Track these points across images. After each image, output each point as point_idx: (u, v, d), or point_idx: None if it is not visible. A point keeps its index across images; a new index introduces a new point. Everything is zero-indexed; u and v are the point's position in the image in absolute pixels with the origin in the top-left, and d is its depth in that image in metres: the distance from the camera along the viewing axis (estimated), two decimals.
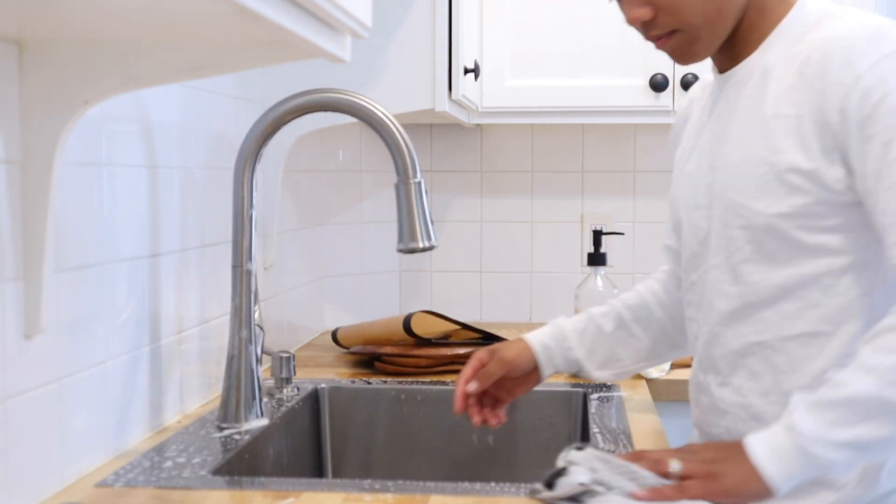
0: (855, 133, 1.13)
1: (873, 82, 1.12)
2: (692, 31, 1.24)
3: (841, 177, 1.16)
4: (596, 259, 2.12)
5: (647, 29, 1.26)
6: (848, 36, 1.16)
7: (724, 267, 1.27)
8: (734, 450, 1.11)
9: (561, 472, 1.12)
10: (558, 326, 1.53)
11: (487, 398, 1.49)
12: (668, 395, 1.86)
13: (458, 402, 1.44)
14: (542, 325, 1.56)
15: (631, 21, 1.26)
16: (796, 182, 1.17)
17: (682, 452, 1.15)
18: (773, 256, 1.21)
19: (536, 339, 1.51)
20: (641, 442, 1.41)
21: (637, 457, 1.14)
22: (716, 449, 1.15)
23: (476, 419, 1.46)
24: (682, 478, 1.10)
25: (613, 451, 1.23)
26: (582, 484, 1.08)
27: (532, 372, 1.50)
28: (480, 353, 1.48)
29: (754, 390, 1.25)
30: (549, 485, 1.12)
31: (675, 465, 1.10)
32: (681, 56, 1.29)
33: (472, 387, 1.44)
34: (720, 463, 1.10)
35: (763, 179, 1.20)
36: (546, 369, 1.50)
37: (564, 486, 1.10)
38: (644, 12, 1.23)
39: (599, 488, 1.08)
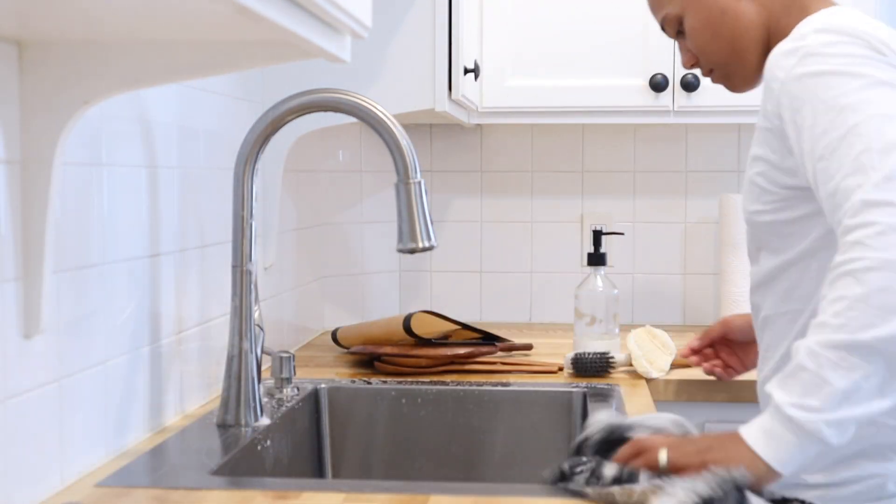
0: (789, 129, 1.24)
1: (792, 91, 1.24)
2: (722, 69, 1.46)
3: (792, 167, 1.27)
4: (596, 259, 2.12)
5: (700, 70, 1.50)
6: (777, 50, 1.30)
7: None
8: (728, 438, 1.10)
9: (566, 475, 1.15)
10: None
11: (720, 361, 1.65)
12: (667, 394, 1.87)
13: (684, 353, 1.68)
14: (542, 325, 1.57)
15: (684, 66, 1.52)
16: (761, 183, 1.33)
17: (676, 443, 1.14)
18: (766, 246, 1.37)
19: None
20: None
21: (633, 447, 1.15)
22: (710, 438, 1.14)
23: (704, 364, 1.66)
24: (674, 470, 1.09)
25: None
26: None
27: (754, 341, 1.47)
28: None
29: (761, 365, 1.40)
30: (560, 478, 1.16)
31: (662, 458, 1.10)
32: (729, 88, 1.49)
33: (694, 343, 1.66)
34: (713, 452, 1.09)
35: (746, 185, 1.38)
36: None
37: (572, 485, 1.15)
38: (687, 58, 1.50)
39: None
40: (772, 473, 1.07)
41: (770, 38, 1.40)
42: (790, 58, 1.25)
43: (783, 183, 1.30)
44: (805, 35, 1.26)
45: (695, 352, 1.67)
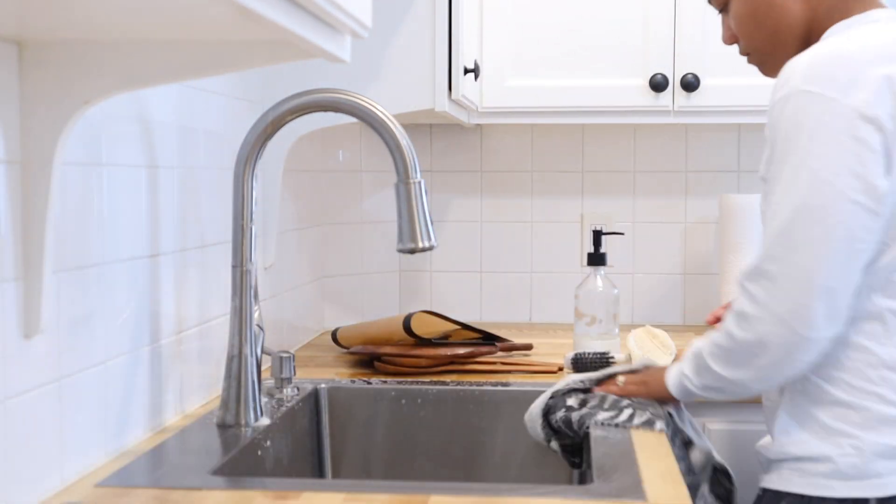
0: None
1: (772, 118, 1.37)
2: (758, 56, 1.53)
3: None
4: (596, 259, 2.12)
5: (738, 49, 1.57)
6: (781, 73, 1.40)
7: None
8: (658, 373, 1.57)
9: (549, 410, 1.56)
10: None
11: None
12: None
13: (709, 320, 1.73)
14: (541, 325, 1.58)
15: (724, 42, 1.58)
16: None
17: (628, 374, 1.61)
18: None
19: None
20: (641, 439, 1.41)
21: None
22: (647, 373, 1.60)
23: None
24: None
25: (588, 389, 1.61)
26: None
27: None
28: None
29: None
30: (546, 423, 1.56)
31: (620, 380, 1.59)
32: (763, 73, 1.55)
33: (719, 311, 1.71)
34: (649, 381, 1.57)
35: (761, 182, 1.44)
36: None
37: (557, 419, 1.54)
38: (728, 36, 1.57)
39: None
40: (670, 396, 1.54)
41: (811, 37, 1.45)
42: (778, 91, 1.37)
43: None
44: (792, 74, 1.36)
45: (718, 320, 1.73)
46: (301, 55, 1.04)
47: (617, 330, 2.04)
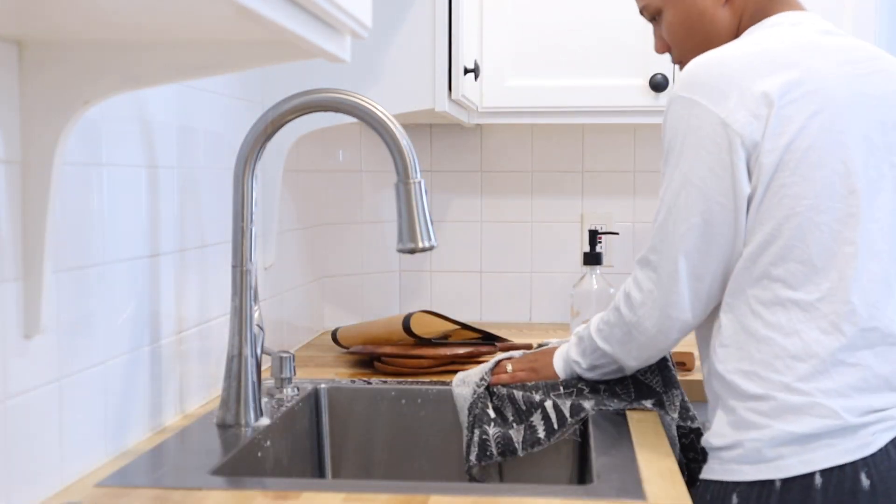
0: None
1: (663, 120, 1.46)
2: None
3: None
4: (592, 258, 2.12)
5: (671, 58, 1.62)
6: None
7: None
8: (546, 358, 1.68)
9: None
10: None
11: None
12: None
13: None
14: (541, 325, 1.59)
15: (656, 52, 1.64)
16: None
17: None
18: None
19: None
20: (640, 439, 1.41)
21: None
22: (534, 358, 1.70)
23: None
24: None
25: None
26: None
27: None
28: None
29: None
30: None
31: (509, 368, 1.68)
32: None
33: None
34: (538, 367, 1.67)
35: None
36: None
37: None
38: (660, 46, 1.62)
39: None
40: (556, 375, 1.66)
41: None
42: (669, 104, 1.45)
43: None
44: (679, 78, 1.44)
45: None
46: (301, 55, 1.04)
47: None
